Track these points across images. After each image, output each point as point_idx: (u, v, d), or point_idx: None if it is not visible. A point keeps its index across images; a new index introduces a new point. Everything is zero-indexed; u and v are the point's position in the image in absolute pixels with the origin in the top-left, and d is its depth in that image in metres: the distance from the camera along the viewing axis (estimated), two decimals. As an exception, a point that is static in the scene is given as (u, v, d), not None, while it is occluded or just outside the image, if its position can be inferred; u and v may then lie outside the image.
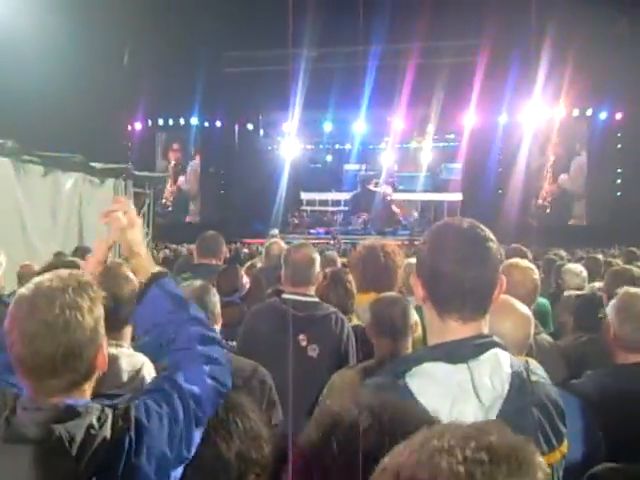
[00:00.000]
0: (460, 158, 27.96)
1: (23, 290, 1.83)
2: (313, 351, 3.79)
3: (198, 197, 30.29)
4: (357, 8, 22.98)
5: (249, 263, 6.98)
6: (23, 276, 5.38)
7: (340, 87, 24.84)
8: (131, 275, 3.27)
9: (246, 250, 14.20)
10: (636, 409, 2.68)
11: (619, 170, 25.63)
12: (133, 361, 2.98)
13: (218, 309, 3.37)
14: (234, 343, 3.88)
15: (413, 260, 2.91)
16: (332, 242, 20.88)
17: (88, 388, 1.88)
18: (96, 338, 1.85)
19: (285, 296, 3.99)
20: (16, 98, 16.50)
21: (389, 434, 1.18)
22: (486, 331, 1.90)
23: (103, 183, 12.15)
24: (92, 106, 20.17)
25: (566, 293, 5.63)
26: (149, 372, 2.91)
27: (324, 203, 31.78)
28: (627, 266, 4.45)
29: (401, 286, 4.60)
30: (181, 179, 30.21)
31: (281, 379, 3.26)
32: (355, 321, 4.18)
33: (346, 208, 31.15)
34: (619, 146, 25.58)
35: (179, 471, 1.88)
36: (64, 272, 1.88)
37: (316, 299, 4.03)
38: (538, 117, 25.60)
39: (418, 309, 3.20)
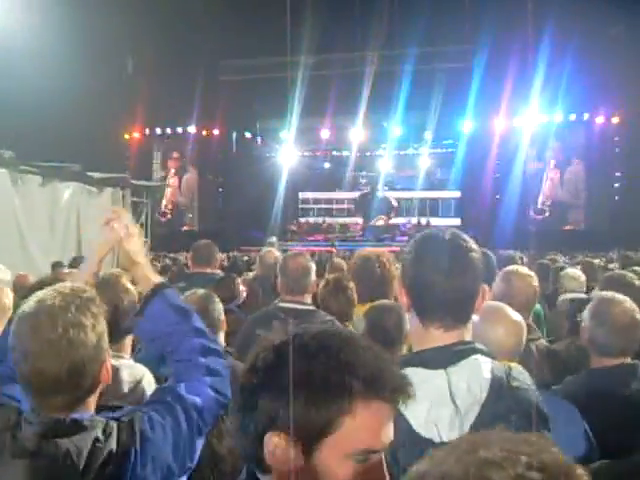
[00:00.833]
0: (457, 164, 27.97)
1: (25, 308, 1.84)
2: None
3: (196, 206, 30.27)
4: (354, 15, 23.03)
5: (251, 274, 7.00)
6: (18, 286, 5.37)
7: (337, 94, 24.85)
8: (130, 286, 3.29)
9: (245, 258, 14.17)
10: (609, 412, 2.71)
11: (617, 174, 25.63)
12: (134, 372, 2.99)
13: (222, 316, 3.40)
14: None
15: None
16: (332, 249, 20.82)
17: (92, 401, 1.90)
18: (99, 354, 1.87)
19: (281, 304, 4.02)
20: (13, 108, 16.52)
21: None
22: (468, 338, 1.93)
23: (101, 192, 12.17)
24: (89, 116, 20.18)
25: (561, 297, 5.66)
26: (149, 383, 2.93)
27: (325, 202, 31.92)
28: (622, 271, 4.47)
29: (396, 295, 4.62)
30: (179, 188, 30.18)
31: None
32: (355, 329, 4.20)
33: (351, 206, 31.27)
34: (617, 150, 25.59)
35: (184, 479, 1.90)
36: (66, 288, 1.89)
37: (312, 307, 4.05)
38: (535, 122, 25.63)
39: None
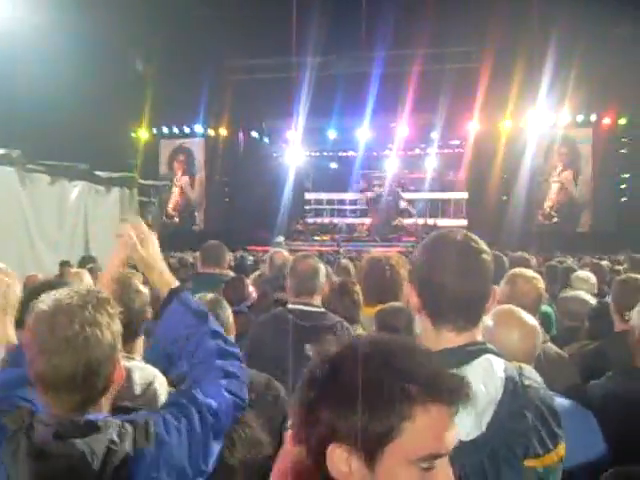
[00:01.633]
0: (465, 165, 27.93)
1: (42, 305, 1.85)
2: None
3: (203, 205, 30.29)
4: (360, 15, 23.04)
5: (257, 273, 7.00)
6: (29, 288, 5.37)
7: (344, 94, 24.80)
8: (142, 287, 3.30)
9: (251, 257, 14.18)
10: None
11: (624, 175, 25.56)
12: (145, 374, 2.99)
13: (231, 320, 3.40)
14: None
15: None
16: (338, 249, 20.84)
17: (105, 402, 1.91)
18: (114, 354, 1.89)
19: (291, 306, 4.02)
20: (21, 107, 16.55)
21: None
22: (479, 339, 1.93)
23: (109, 192, 12.22)
24: (97, 115, 20.19)
25: (561, 295, 5.66)
26: (161, 385, 2.93)
27: (331, 202, 31.96)
28: (634, 275, 4.47)
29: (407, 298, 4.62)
30: (186, 187, 30.21)
31: (287, 389, 3.28)
32: (361, 332, 4.20)
33: (358, 207, 31.27)
34: (624, 151, 25.52)
35: None
36: (83, 288, 1.90)
37: (321, 309, 4.05)
38: (542, 123, 25.57)
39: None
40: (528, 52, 22.74)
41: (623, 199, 25.64)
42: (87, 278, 5.09)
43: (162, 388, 2.87)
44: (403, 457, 1.23)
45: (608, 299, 4.76)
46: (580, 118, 25.68)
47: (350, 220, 30.81)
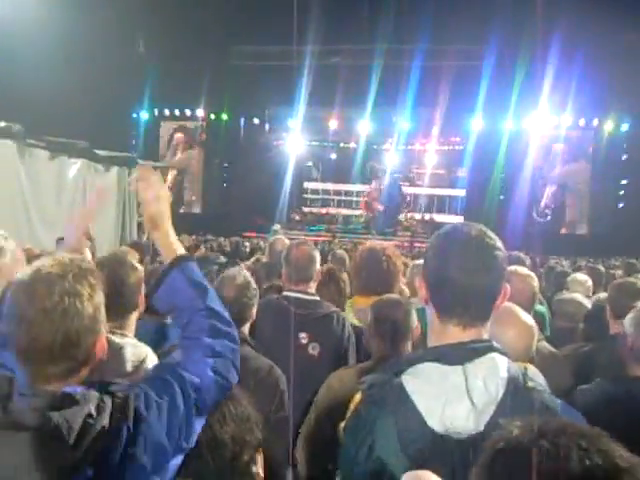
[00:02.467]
0: (465, 162, 27.93)
1: (21, 275, 1.82)
2: (314, 349, 3.80)
3: (200, 189, 30.24)
4: (363, 7, 22.99)
5: (254, 258, 6.99)
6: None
7: (346, 85, 24.81)
8: (137, 264, 3.29)
9: (247, 244, 14.16)
10: None
11: (623, 181, 25.60)
12: (137, 351, 2.98)
13: (254, 308, 3.47)
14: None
15: (420, 261, 2.91)
16: (333, 240, 20.84)
17: (85, 374, 1.86)
18: (95, 326, 1.83)
19: (286, 293, 4.01)
20: (22, 82, 16.45)
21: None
22: (486, 336, 1.91)
23: (108, 171, 12.18)
24: (98, 93, 20.15)
25: (556, 297, 5.68)
26: (153, 362, 2.91)
27: (330, 193, 31.92)
28: (631, 279, 4.46)
29: (402, 289, 4.61)
30: (184, 170, 30.12)
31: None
32: (355, 321, 4.19)
33: (356, 198, 31.22)
34: (624, 157, 25.55)
35: (179, 459, 1.87)
36: (65, 258, 1.86)
37: (317, 297, 4.04)
38: (544, 125, 25.57)
39: (419, 311, 3.22)
40: (530, 53, 22.72)
41: (621, 205, 25.69)
42: (87, 255, 5.07)
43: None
44: None
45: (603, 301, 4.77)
46: (582, 122, 25.71)
47: (347, 211, 30.76)
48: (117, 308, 2.99)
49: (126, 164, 12.61)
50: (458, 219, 26.68)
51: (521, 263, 5.22)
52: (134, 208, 12.37)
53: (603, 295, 5.26)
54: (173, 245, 2.20)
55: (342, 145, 31.31)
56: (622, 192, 25.67)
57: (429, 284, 1.93)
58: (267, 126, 30.74)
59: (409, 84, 24.56)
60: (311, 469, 3.30)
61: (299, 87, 25.14)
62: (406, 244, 21.03)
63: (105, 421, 1.70)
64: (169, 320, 2.27)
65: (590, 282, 6.13)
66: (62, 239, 8.27)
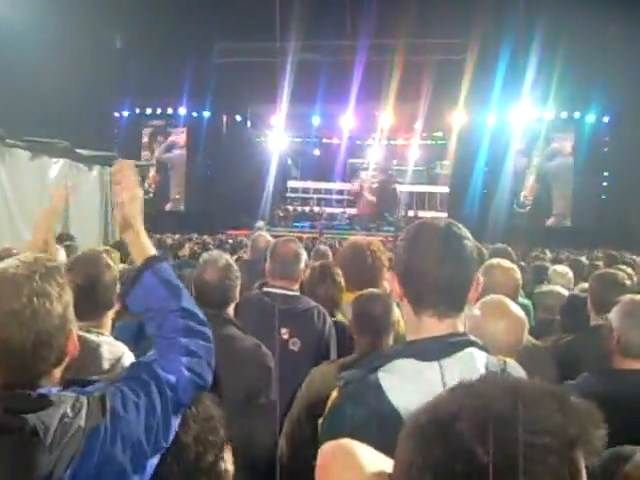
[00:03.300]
0: (449, 156, 28.01)
1: None
2: (294, 345, 3.80)
3: (183, 187, 30.17)
4: (346, 2, 23.04)
5: (236, 256, 6.98)
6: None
7: (328, 81, 24.83)
8: (112, 263, 3.28)
9: (230, 241, 14.14)
10: (632, 416, 2.69)
11: (605, 174, 25.76)
12: (114, 350, 2.97)
13: (237, 289, 3.50)
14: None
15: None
16: (318, 236, 20.83)
17: (58, 374, 1.85)
18: (65, 325, 1.81)
19: (267, 289, 4.00)
20: (2, 82, 16.35)
21: None
22: (462, 329, 1.91)
23: (90, 170, 12.12)
24: (79, 92, 20.04)
25: (536, 290, 5.70)
26: (130, 361, 2.89)
27: (313, 191, 31.88)
28: (611, 270, 4.47)
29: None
30: (166, 168, 30.01)
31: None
32: (341, 318, 4.19)
33: (340, 197, 31.23)
34: (606, 150, 25.71)
35: (156, 459, 1.86)
36: (30, 257, 1.85)
37: (297, 293, 4.04)
38: (526, 118, 25.68)
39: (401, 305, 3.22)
40: (513, 46, 22.80)
41: (603, 196, 25.85)
42: (62, 255, 5.03)
43: (131, 364, 2.85)
44: None
45: (582, 293, 4.79)
46: (564, 114, 25.84)
47: (332, 209, 30.78)
48: (93, 307, 3.00)
49: (108, 163, 12.53)
50: (442, 214, 26.76)
51: (507, 255, 5.22)
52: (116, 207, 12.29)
53: (582, 286, 5.29)
54: (145, 245, 2.19)
55: (325, 141, 31.32)
56: (604, 184, 25.83)
57: (401, 277, 1.94)
58: (249, 123, 30.71)
59: (391, 79, 24.58)
60: (293, 465, 3.30)
61: (281, 84, 25.14)
62: (390, 239, 21.05)
63: (82, 421, 1.69)
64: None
65: (571, 274, 6.15)
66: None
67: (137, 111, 29.64)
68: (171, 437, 1.88)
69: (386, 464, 1.12)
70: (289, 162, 31.39)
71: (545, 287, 5.66)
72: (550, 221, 26.77)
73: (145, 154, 29.53)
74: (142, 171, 15.71)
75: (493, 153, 25.97)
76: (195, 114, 29.49)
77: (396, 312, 3.28)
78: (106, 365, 2.87)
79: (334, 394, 1.97)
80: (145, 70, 24.86)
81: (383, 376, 1.82)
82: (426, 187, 30.55)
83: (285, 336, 3.79)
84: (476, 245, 1.98)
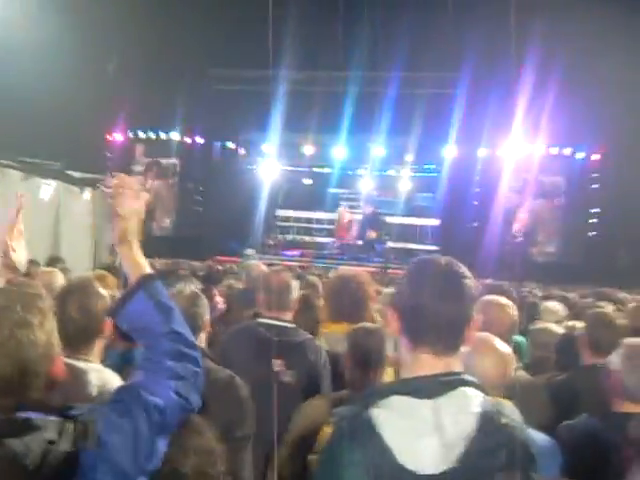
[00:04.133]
0: (438, 189, 28.10)
1: None
2: (289, 377, 3.79)
3: (173, 212, 30.13)
4: (337, 34, 23.26)
5: (227, 283, 6.98)
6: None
7: (321, 111, 24.94)
8: (102, 290, 3.27)
9: (220, 268, 14.11)
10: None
11: (593, 210, 25.90)
12: (102, 376, 2.97)
13: (206, 317, 3.40)
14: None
15: (391, 290, 2.91)
16: (307, 265, 20.81)
17: (44, 399, 1.84)
18: (50, 352, 1.83)
19: (261, 320, 3.99)
20: (-6, 102, 16.34)
21: None
22: (458, 368, 1.91)
23: (81, 192, 12.13)
24: (73, 114, 20.03)
25: (531, 327, 5.72)
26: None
27: (304, 220, 31.82)
28: (605, 310, 4.50)
29: (373, 316, 4.61)
30: (157, 192, 29.99)
31: (256, 404, 3.26)
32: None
33: (330, 226, 31.20)
34: (595, 186, 25.87)
35: None
36: (9, 287, 1.85)
37: (292, 325, 4.03)
38: (517, 153, 25.86)
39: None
40: (504, 81, 22.98)
41: (592, 233, 25.97)
42: (60, 279, 5.04)
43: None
44: None
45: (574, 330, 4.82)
46: (554, 150, 26.03)
47: (321, 239, 30.73)
48: (81, 335, 3.01)
49: (100, 186, 12.53)
50: (432, 247, 26.81)
51: (505, 293, 5.23)
52: (108, 230, 12.30)
53: (572, 324, 5.32)
54: (140, 263, 2.19)
55: (316, 170, 31.38)
56: (593, 221, 25.95)
57: (401, 313, 1.95)
58: (242, 150, 30.77)
59: (383, 111, 24.75)
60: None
61: (274, 112, 25.21)
62: (380, 270, 21.04)
63: (66, 446, 1.69)
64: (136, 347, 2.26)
65: (562, 311, 6.19)
66: (33, 261, 8.19)
67: (130, 135, 29.64)
68: (158, 459, 1.87)
69: None
70: (280, 190, 31.38)
71: (540, 324, 5.69)
72: (540, 257, 26.84)
73: (140, 180, 29.48)
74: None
75: (484, 187, 26.09)
76: (188, 140, 29.53)
77: (390, 347, 3.28)
78: (94, 392, 2.89)
79: (327, 430, 1.97)
80: (139, 94, 24.90)
81: (378, 413, 1.82)
82: (416, 219, 30.56)
83: (279, 368, 3.78)
84: (475, 283, 2.00)
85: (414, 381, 1.86)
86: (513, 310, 4.03)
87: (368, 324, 3.54)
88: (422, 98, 24.62)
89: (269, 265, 5.22)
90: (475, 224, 26.23)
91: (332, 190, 30.60)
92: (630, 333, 4.20)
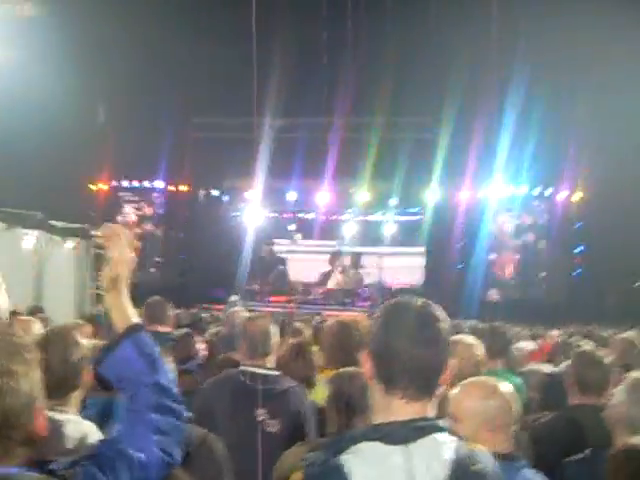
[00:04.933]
0: (422, 233, 28.16)
1: None
2: (273, 427, 3.73)
3: (158, 261, 30.04)
4: (320, 81, 23.53)
5: (214, 331, 6.95)
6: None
7: (304, 157, 25.13)
8: (81, 340, 3.22)
9: (205, 315, 14.06)
10: None
11: (577, 249, 26.06)
12: (79, 428, 2.91)
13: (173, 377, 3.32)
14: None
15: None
16: (294, 311, 20.72)
17: (23, 454, 1.76)
18: (32, 403, 1.75)
19: (243, 368, 3.94)
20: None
21: None
22: (431, 413, 1.89)
23: (64, 242, 12.09)
24: (55, 163, 20.05)
25: (521, 370, 5.72)
26: (96, 440, 2.82)
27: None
28: (591, 349, 4.52)
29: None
30: (141, 241, 29.90)
31: (239, 455, 3.20)
32: (320, 396, 4.13)
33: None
34: (577, 226, 26.06)
35: None
36: None
37: (276, 372, 3.99)
38: (500, 194, 26.07)
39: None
40: (485, 124, 23.27)
41: (576, 272, 26.09)
42: (37, 327, 4.97)
43: (98, 443, 2.77)
44: None
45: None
46: (537, 191, 26.26)
47: (307, 284, 30.62)
48: (59, 385, 2.95)
49: (83, 236, 12.50)
50: (417, 289, 26.78)
51: (503, 335, 5.24)
52: (91, 280, 12.27)
53: (560, 364, 5.31)
54: (127, 311, 2.15)
55: (300, 216, 31.43)
56: (577, 260, 26.10)
57: (374, 357, 1.92)
58: (226, 197, 30.83)
59: (366, 156, 24.95)
60: None
61: (257, 158, 25.33)
62: (367, 314, 20.97)
63: None
64: (117, 397, 2.22)
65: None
66: (14, 312, 8.10)
67: (114, 184, 29.65)
68: None
69: None
70: (264, 236, 31.35)
71: (531, 365, 5.70)
72: (523, 296, 26.91)
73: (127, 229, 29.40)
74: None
75: (467, 229, 26.24)
76: (172, 188, 29.57)
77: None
78: (70, 444, 2.83)
79: (297, 476, 1.93)
80: (122, 143, 24.98)
81: (346, 459, 1.80)
82: (402, 260, 30.55)
83: (263, 417, 3.72)
84: (452, 327, 1.99)
85: (386, 427, 1.83)
86: (478, 349, 4.05)
87: (351, 369, 3.50)
88: (404, 142, 24.87)
89: (251, 312, 5.20)
90: (460, 266, 26.32)
91: (316, 235, 30.56)
92: (619, 371, 4.23)
